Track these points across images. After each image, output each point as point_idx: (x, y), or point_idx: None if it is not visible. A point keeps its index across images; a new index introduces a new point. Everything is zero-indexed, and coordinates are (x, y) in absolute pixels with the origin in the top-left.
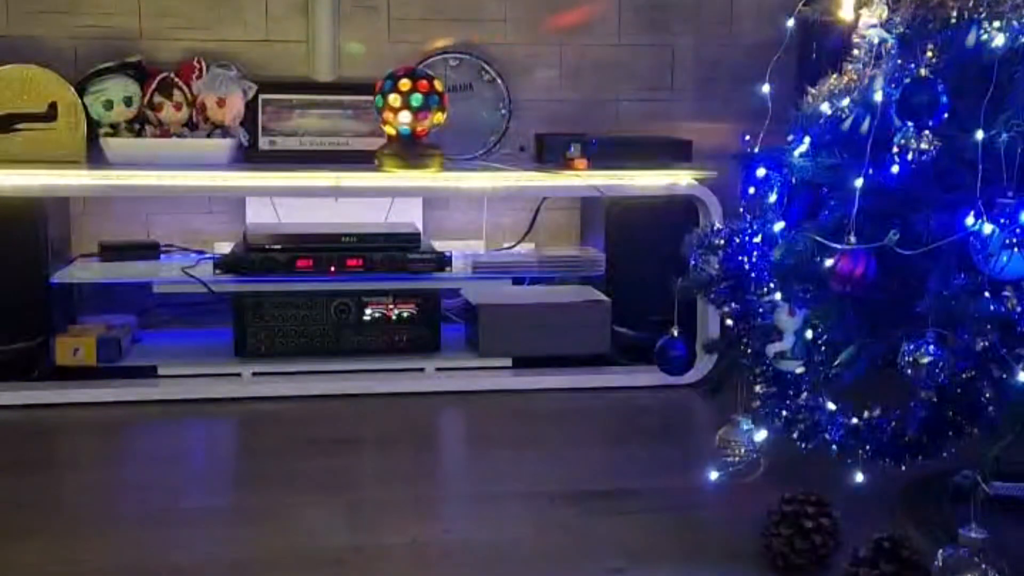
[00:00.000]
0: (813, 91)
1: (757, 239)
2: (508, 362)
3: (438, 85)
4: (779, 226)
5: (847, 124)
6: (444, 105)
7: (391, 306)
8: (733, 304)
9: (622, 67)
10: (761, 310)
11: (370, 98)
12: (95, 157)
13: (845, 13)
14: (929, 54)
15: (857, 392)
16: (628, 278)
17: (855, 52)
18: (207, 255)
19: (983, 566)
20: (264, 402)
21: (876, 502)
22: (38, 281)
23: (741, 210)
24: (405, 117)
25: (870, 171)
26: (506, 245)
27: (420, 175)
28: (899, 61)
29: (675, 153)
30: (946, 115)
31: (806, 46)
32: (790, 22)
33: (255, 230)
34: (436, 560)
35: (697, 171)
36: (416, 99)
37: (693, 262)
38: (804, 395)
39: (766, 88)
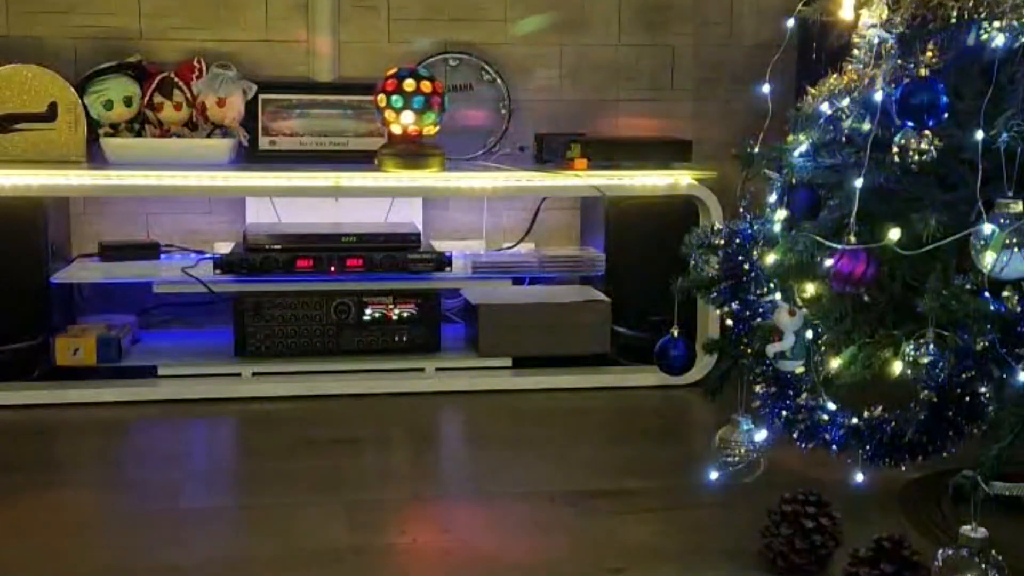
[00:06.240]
0: (813, 91)
1: (757, 239)
2: (508, 362)
3: (438, 85)
4: (779, 226)
5: (847, 124)
6: (444, 105)
7: (391, 306)
8: (733, 304)
9: (622, 67)
10: (761, 310)
11: (370, 98)
12: (95, 157)
13: (845, 13)
14: (929, 54)
15: (857, 392)
16: (628, 278)
17: (855, 52)
18: (207, 255)
19: (983, 566)
20: (264, 402)
21: (876, 502)
22: (38, 281)
23: (741, 210)
24: (407, 117)
25: (870, 171)
26: (506, 245)
27: (420, 175)
28: (899, 61)
29: (675, 153)
30: (946, 115)
31: (806, 46)
32: (790, 22)
33: (255, 230)
34: (436, 560)
35: (697, 171)
36: (417, 100)
37: (693, 262)
38: (804, 395)
39: (766, 88)
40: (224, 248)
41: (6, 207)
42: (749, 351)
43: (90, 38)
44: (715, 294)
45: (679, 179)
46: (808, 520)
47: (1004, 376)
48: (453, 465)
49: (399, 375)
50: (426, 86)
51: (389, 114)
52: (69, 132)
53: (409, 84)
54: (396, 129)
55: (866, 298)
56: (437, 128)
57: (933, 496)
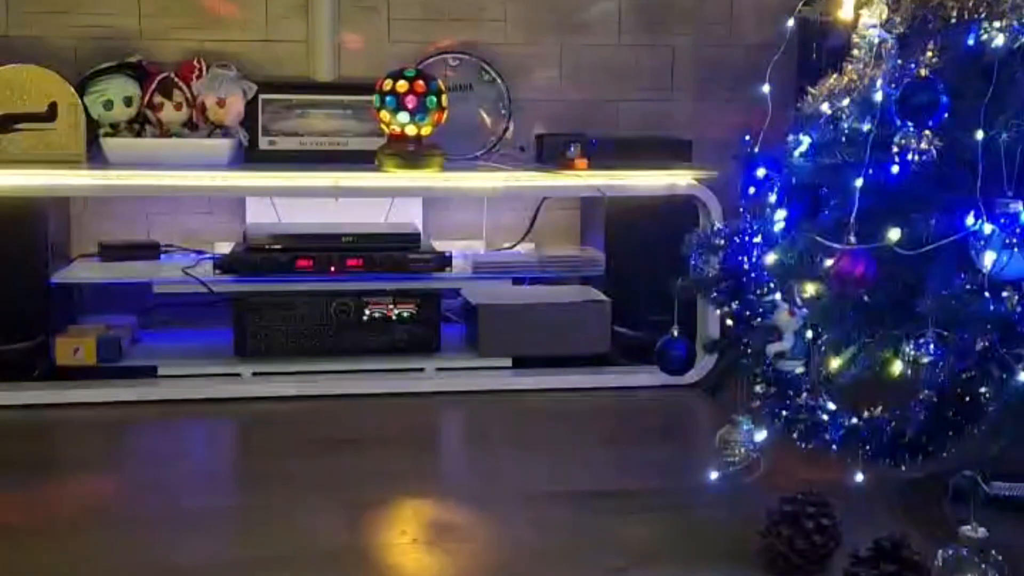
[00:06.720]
0: (813, 91)
1: (757, 239)
2: (508, 362)
3: (438, 85)
4: (779, 226)
5: (847, 124)
6: (443, 105)
7: (391, 306)
8: (733, 304)
9: (622, 67)
10: (761, 310)
11: (370, 98)
12: (95, 157)
13: (845, 13)
14: (929, 54)
15: (857, 392)
16: (628, 278)
17: (855, 52)
18: (207, 255)
19: (983, 566)
20: (264, 402)
21: (876, 502)
22: (38, 281)
23: (741, 210)
24: (404, 117)
25: (870, 171)
26: (506, 245)
27: (420, 175)
28: (899, 61)
29: (675, 153)
30: (946, 115)
31: (806, 46)
32: (790, 22)
33: (255, 230)
34: (436, 560)
35: (697, 171)
36: (434, 100)
37: (693, 262)
38: (804, 395)
39: (766, 88)
40: (224, 248)
41: (6, 207)
42: (749, 351)
43: (90, 38)
44: (715, 294)
45: (679, 179)
46: (808, 520)
47: (1004, 376)
48: (453, 465)
49: (399, 375)
50: (401, 86)
51: (387, 114)
52: (69, 132)
53: (387, 84)
54: (383, 127)
55: (866, 298)
56: (421, 127)
57: (933, 496)
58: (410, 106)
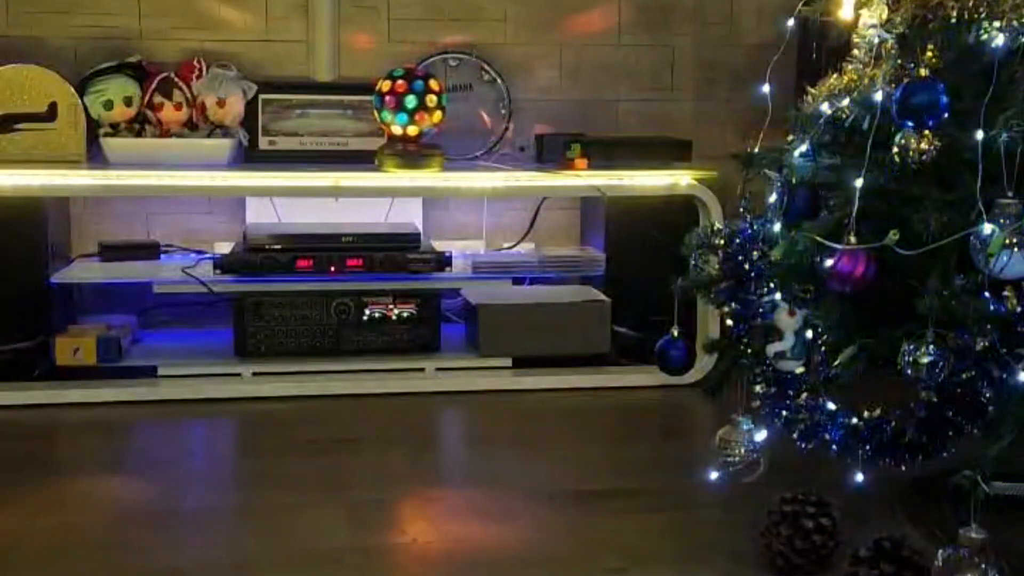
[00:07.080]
0: (813, 91)
1: (757, 239)
2: (508, 362)
3: (437, 85)
4: (779, 226)
5: (847, 124)
6: (430, 105)
7: (391, 306)
8: (733, 304)
9: (622, 67)
10: (761, 310)
11: (370, 98)
12: (95, 157)
13: (845, 13)
14: (929, 54)
15: (857, 392)
16: (628, 278)
17: (855, 52)
18: (207, 255)
19: (983, 566)
20: (264, 402)
21: (876, 502)
22: (38, 281)
23: (741, 210)
24: (403, 118)
25: (870, 171)
26: (506, 245)
27: (420, 175)
28: (899, 61)
29: (675, 153)
30: (946, 115)
31: (806, 46)
32: (790, 22)
33: (255, 230)
34: (436, 560)
35: (697, 171)
36: (413, 100)
37: (693, 262)
38: (804, 395)
39: (766, 88)
40: (224, 248)
41: (6, 207)
42: (749, 351)
43: (90, 38)
44: (715, 294)
45: (679, 179)
46: (808, 520)
47: (1004, 376)
48: (453, 465)
49: (399, 375)
50: (385, 85)
51: (386, 114)
52: (69, 132)
53: (378, 83)
54: (393, 129)
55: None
56: (407, 127)
57: (933, 496)
58: (390, 105)
